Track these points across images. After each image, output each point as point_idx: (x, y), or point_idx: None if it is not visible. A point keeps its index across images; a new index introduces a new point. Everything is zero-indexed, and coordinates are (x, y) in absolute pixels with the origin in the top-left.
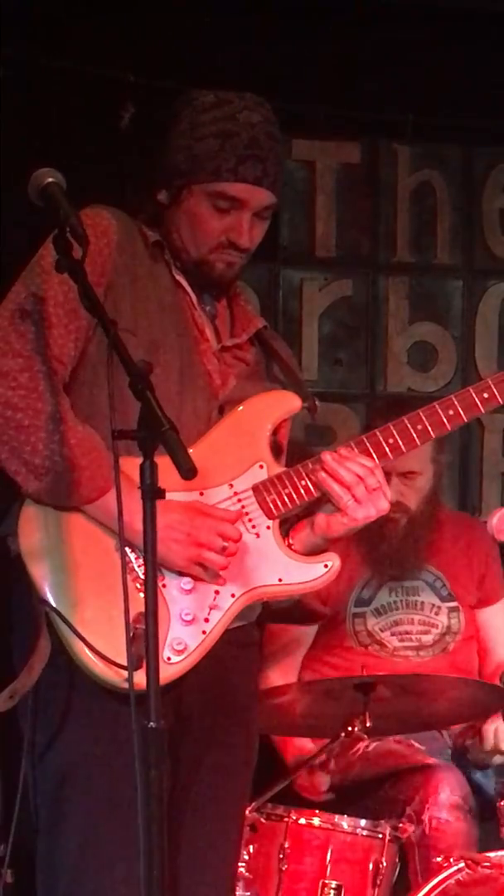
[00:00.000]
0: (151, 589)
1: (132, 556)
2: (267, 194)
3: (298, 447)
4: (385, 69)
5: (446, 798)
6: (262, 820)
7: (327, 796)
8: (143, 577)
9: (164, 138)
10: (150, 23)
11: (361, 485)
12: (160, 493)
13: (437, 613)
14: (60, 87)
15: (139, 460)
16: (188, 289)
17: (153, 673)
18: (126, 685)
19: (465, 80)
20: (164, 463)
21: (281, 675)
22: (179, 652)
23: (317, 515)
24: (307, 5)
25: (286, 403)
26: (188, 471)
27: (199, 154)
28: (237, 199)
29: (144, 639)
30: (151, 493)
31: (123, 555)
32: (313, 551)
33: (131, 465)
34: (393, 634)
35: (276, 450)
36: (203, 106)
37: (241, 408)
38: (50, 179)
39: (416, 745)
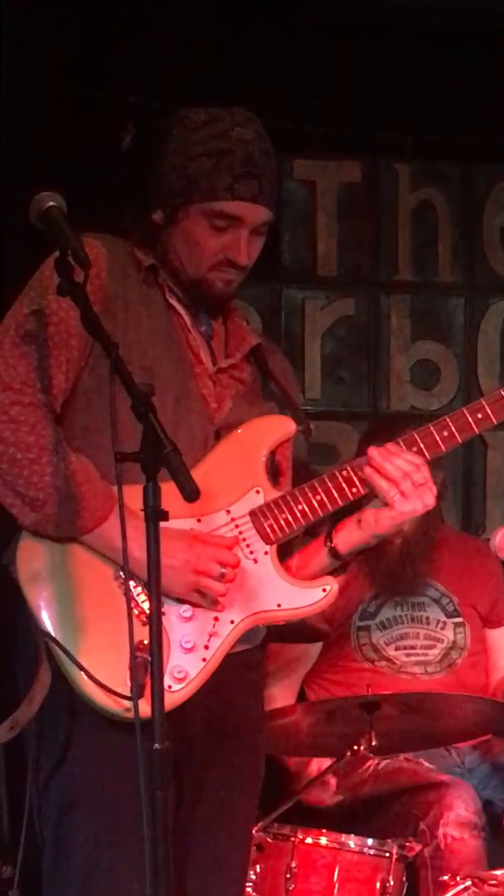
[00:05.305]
0: (156, 607)
1: (131, 583)
2: (264, 211)
3: (301, 466)
4: (384, 88)
5: (461, 814)
6: (269, 840)
7: (335, 799)
8: (142, 604)
9: (156, 158)
10: (150, 44)
11: (408, 480)
12: (164, 516)
13: (442, 628)
14: (62, 108)
15: (136, 488)
16: (182, 311)
17: (157, 692)
18: (127, 714)
19: (464, 98)
20: (162, 489)
21: (281, 693)
22: (180, 680)
23: (364, 511)
24: (306, 25)
25: (281, 428)
26: (191, 493)
27: (194, 173)
28: (235, 218)
29: (145, 666)
30: (154, 515)
31: (127, 580)
32: (358, 549)
33: (128, 494)
34: (398, 649)
35: (273, 473)
36: (194, 124)
37: (238, 431)
38: (51, 203)
39: (426, 763)
